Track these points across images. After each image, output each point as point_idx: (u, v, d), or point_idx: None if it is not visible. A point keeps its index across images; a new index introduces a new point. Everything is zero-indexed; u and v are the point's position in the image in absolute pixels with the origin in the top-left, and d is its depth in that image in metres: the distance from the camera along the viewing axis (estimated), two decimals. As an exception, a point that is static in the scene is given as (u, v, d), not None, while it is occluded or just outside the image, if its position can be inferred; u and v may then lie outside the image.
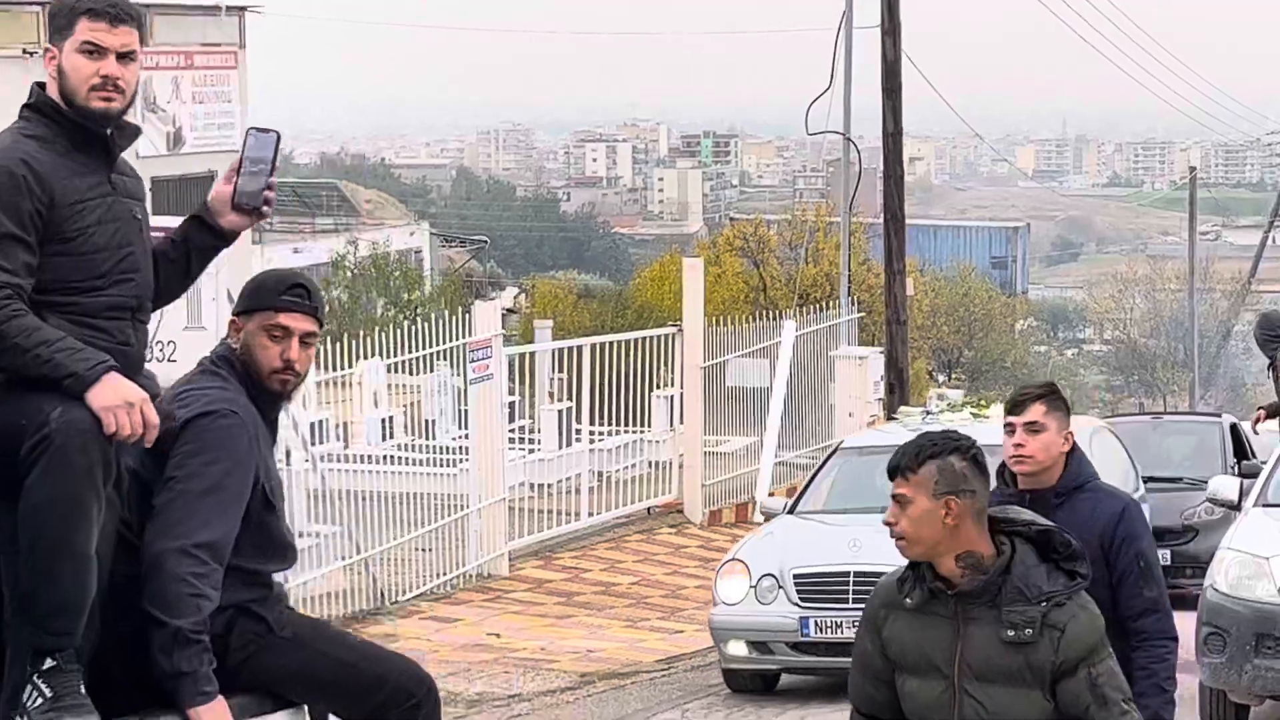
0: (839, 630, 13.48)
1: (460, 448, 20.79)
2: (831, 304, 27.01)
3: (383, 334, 17.72)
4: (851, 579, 13.61)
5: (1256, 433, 19.14)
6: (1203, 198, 63.90)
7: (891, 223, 25.19)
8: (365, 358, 19.04)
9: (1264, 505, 13.26)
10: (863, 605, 12.07)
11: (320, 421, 20.71)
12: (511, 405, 21.99)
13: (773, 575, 13.97)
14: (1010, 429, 7.22)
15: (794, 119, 28.19)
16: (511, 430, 21.34)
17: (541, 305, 46.50)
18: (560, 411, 22.59)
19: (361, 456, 20.97)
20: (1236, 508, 13.62)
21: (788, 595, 13.87)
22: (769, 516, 15.38)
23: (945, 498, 5.42)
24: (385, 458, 20.62)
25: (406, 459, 21.06)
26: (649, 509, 22.20)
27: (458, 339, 18.27)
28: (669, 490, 22.51)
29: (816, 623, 13.70)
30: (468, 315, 18.30)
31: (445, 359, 19.79)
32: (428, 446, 22.28)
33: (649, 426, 23.24)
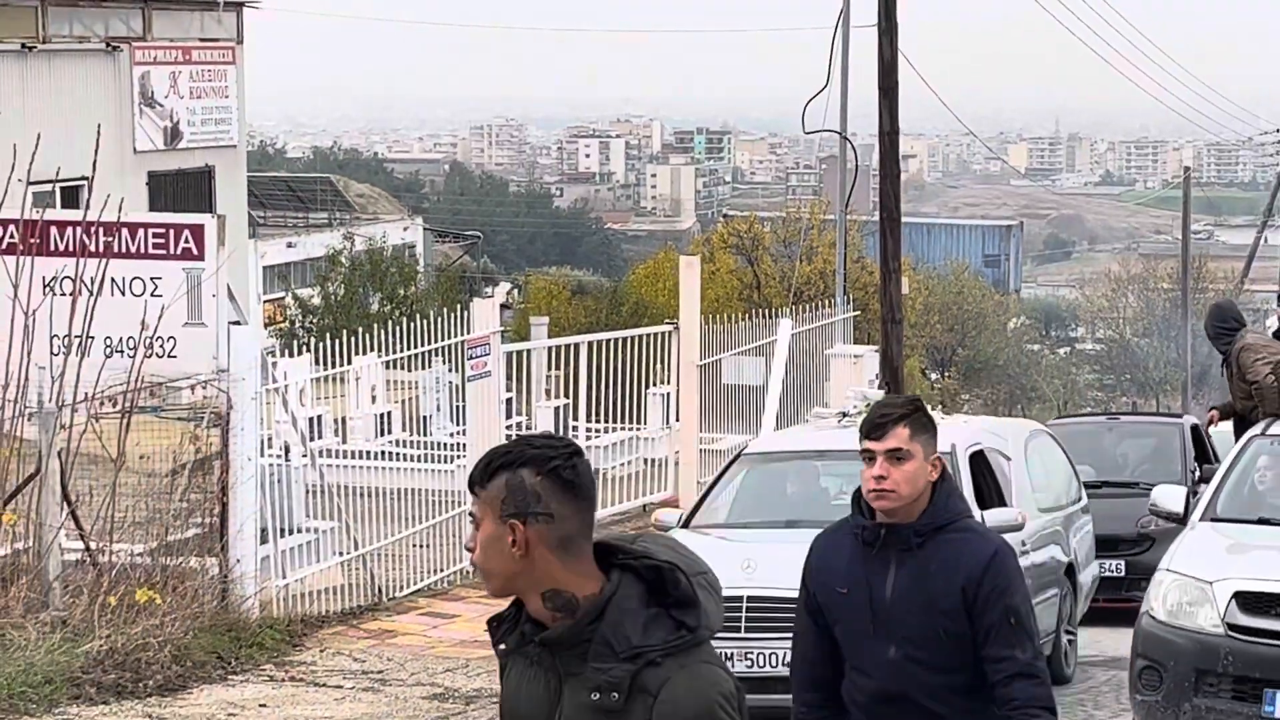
0: (730, 662, 11.63)
1: (457, 444, 20.84)
2: (825, 302, 27.04)
3: (379, 330, 17.76)
4: (744, 605, 11.85)
5: (1207, 435, 18.13)
6: (1195, 197, 63.88)
7: (887, 221, 25.19)
8: (362, 354, 19.07)
9: (1212, 520, 11.99)
10: (757, 634, 10.76)
11: (317, 417, 20.76)
12: (508, 402, 22.02)
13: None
14: (869, 457, 6.12)
15: (787, 116, 28.24)
16: (508, 427, 21.38)
17: (535, 301, 46.52)
18: (556, 409, 22.64)
19: (359, 452, 21.01)
20: (1182, 521, 12.28)
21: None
22: (663, 531, 13.37)
23: (510, 521, 4.18)
24: (382, 454, 20.65)
25: (403, 455, 21.10)
26: (644, 505, 22.25)
27: (455, 336, 18.29)
28: (665, 487, 22.55)
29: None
30: (465, 312, 18.34)
31: (441, 356, 19.81)
32: (424, 443, 22.31)
33: (645, 424, 23.29)
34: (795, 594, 10.56)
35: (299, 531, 15.43)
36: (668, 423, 23.32)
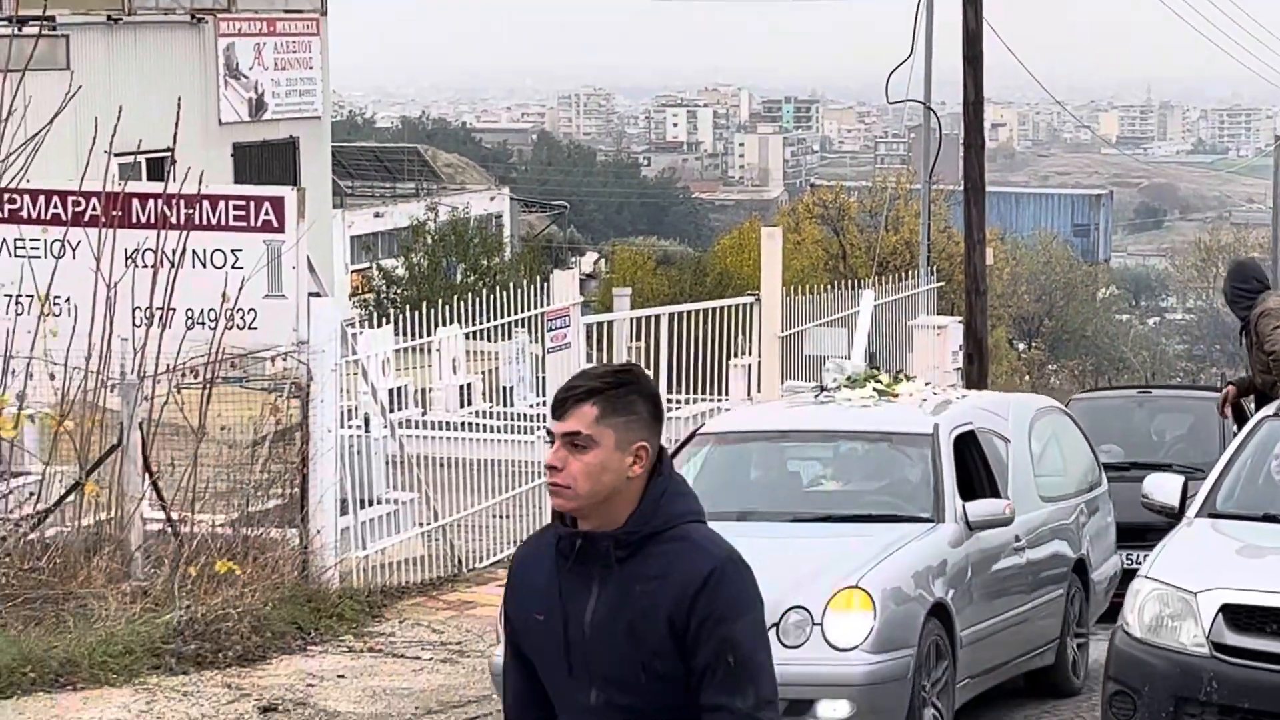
0: None
1: (538, 415, 20.86)
2: (911, 272, 26.94)
3: (461, 301, 17.79)
4: None
5: (1225, 415, 15.30)
6: (1288, 166, 63.23)
7: (972, 192, 25.06)
8: (444, 325, 19.11)
9: (1210, 515, 10.35)
10: None
11: (400, 388, 20.82)
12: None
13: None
14: (551, 441, 4.88)
15: (876, 85, 28.08)
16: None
17: (620, 271, 46.54)
18: (638, 380, 22.62)
19: (440, 423, 21.07)
20: (1177, 516, 10.53)
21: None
22: None
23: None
24: (463, 425, 20.70)
25: (485, 426, 21.15)
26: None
27: (537, 307, 18.32)
28: (746, 459, 22.55)
29: None
30: (546, 283, 18.35)
31: (524, 326, 19.84)
32: (506, 414, 22.36)
33: (727, 395, 23.26)
34: None
35: (379, 503, 15.49)
36: (750, 394, 23.29)
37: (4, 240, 14.36)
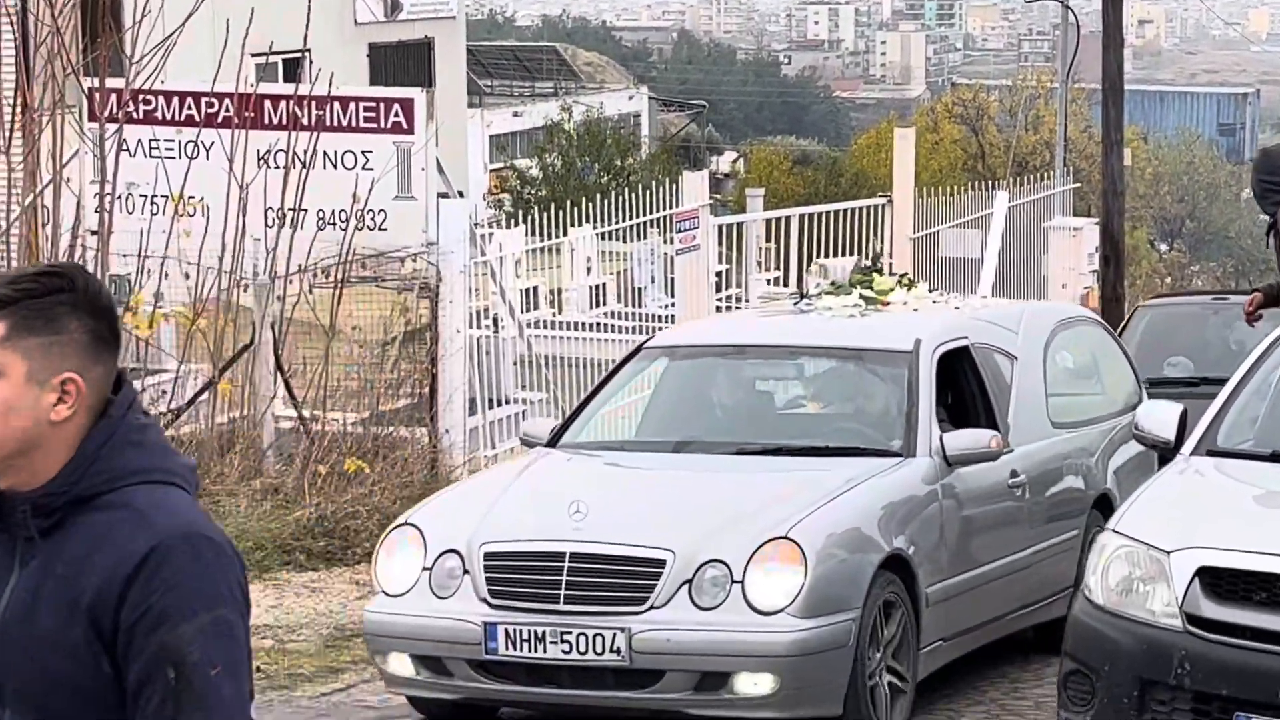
0: (541, 646, 8.63)
1: (668, 316, 20.91)
2: (1048, 173, 26.73)
3: (593, 202, 17.85)
4: (565, 566, 8.73)
5: (1252, 325, 13.12)
6: None
7: (1110, 92, 24.80)
8: (577, 225, 19.19)
9: (1209, 452, 8.49)
10: (581, 608, 8.72)
11: (532, 289, 20.95)
12: (722, 275, 22.06)
13: (458, 552, 8.95)
14: None
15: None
16: (720, 300, 21.43)
17: (757, 172, 46.44)
18: (768, 280, 22.64)
19: (571, 324, 21.17)
20: (1172, 451, 8.69)
21: (475, 585, 8.85)
22: (530, 447, 10.38)
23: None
24: (595, 325, 20.79)
25: (616, 326, 21.23)
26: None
27: (668, 208, 18.36)
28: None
29: (509, 632, 8.67)
30: (677, 184, 18.37)
31: (656, 227, 19.89)
32: (638, 314, 22.43)
33: (859, 296, 23.24)
34: (635, 551, 8.72)
35: (508, 403, 15.62)
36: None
37: (139, 141, 14.56)
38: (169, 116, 14.62)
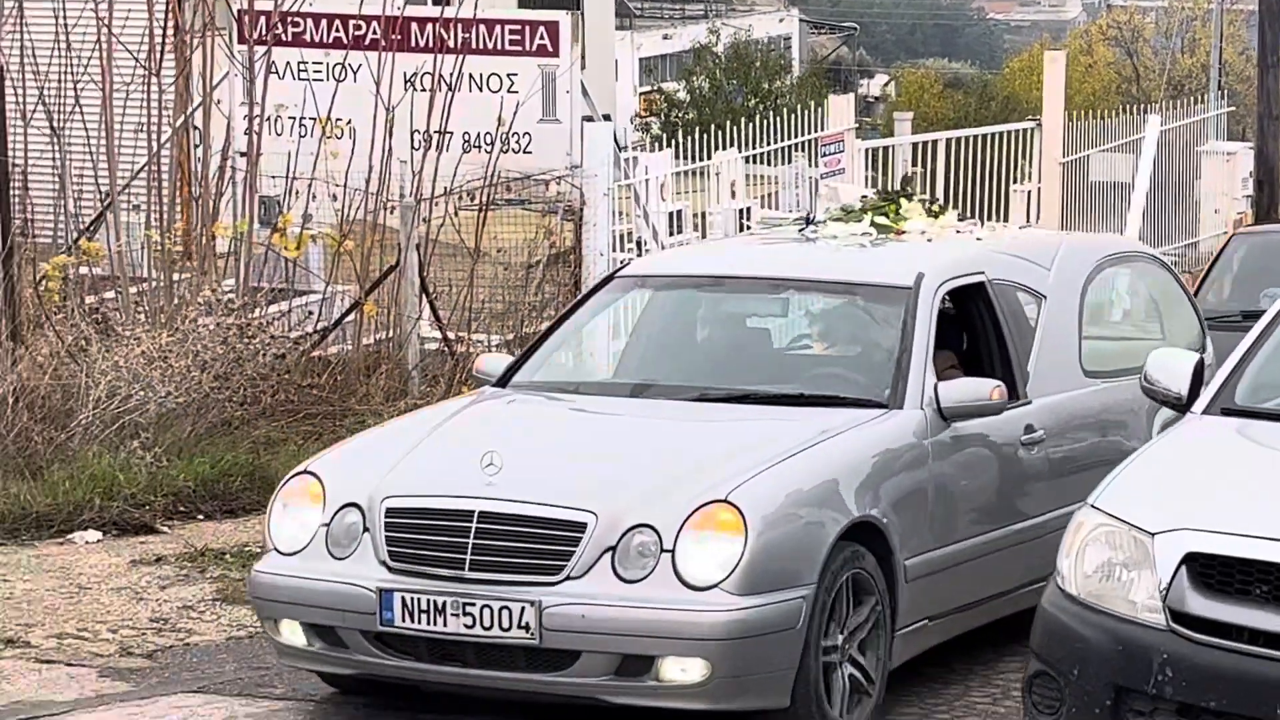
0: (441, 618, 7.57)
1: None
2: (1204, 97, 26.40)
3: (738, 126, 17.85)
4: (474, 526, 7.63)
5: None
6: None
7: (1267, 13, 24.39)
8: (723, 149, 19.20)
9: (1224, 410, 7.25)
10: (487, 575, 7.49)
11: (678, 212, 20.96)
12: (867, 198, 21.99)
13: (358, 507, 7.88)
14: None
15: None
16: (867, 223, 21.38)
17: (907, 95, 46.14)
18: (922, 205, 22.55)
19: (716, 247, 21.16)
20: (1184, 407, 7.42)
21: (375, 546, 7.79)
22: (483, 385, 9.23)
23: None
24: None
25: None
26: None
27: (815, 132, 18.34)
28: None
29: (406, 601, 7.62)
30: (822, 108, 18.33)
31: (802, 151, 19.87)
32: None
33: (1007, 221, 23.09)
34: (551, 512, 7.53)
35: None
36: (1029, 220, 23.10)
37: (288, 63, 14.71)
38: (317, 39, 14.76)
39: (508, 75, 14.34)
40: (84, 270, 13.60)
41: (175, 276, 13.42)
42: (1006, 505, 8.76)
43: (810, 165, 21.05)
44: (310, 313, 13.99)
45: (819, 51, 62.72)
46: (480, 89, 14.37)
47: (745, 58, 44.56)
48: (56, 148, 13.58)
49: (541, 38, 14.31)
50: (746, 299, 9.29)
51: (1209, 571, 6.34)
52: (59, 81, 13.54)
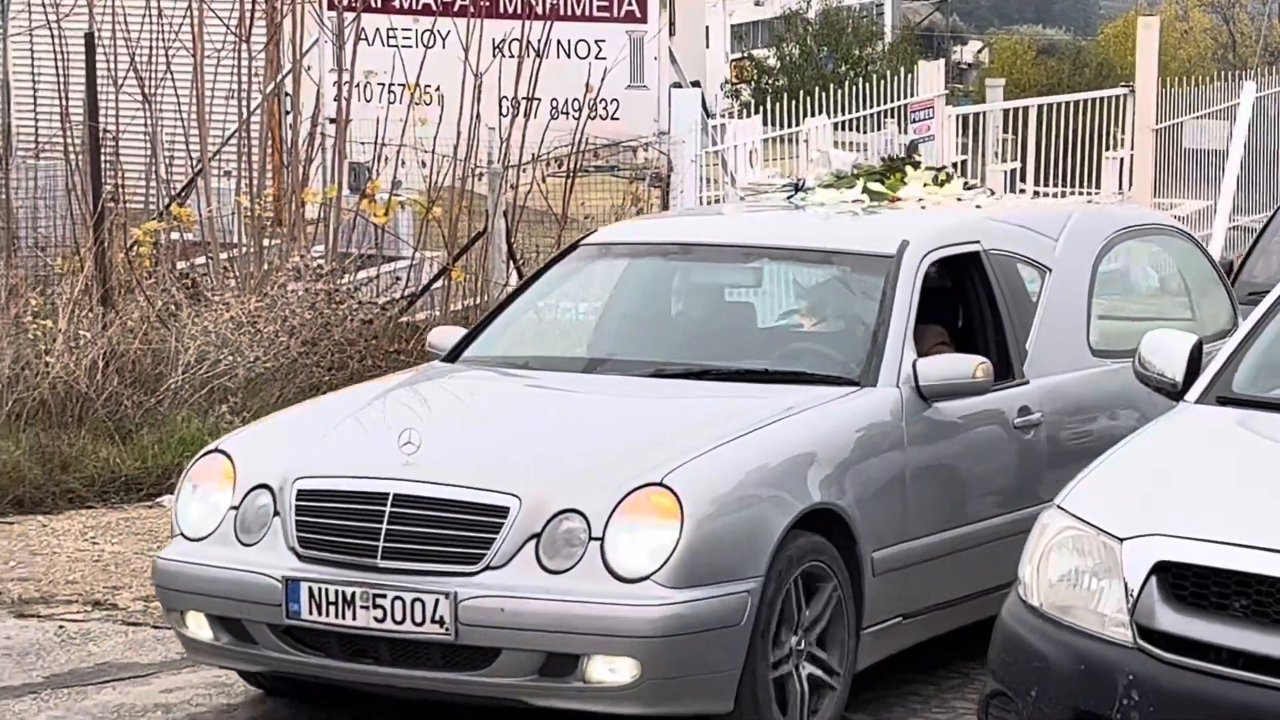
0: (350, 610, 6.94)
1: (904, 207, 20.78)
2: (1300, 63, 26.11)
3: (824, 92, 17.78)
4: (387, 510, 7.01)
5: None
6: None
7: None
8: (812, 115, 19.14)
9: (1220, 399, 6.54)
10: (402, 564, 6.84)
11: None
12: (959, 165, 21.89)
13: (269, 488, 7.27)
14: None
15: None
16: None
17: (1000, 61, 45.88)
18: (1005, 172, 22.43)
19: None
20: (1179, 395, 6.70)
21: (285, 531, 7.19)
22: (435, 358, 8.63)
23: None
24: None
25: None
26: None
27: (905, 98, 18.25)
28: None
29: (314, 592, 7.01)
30: (912, 74, 18.24)
31: (892, 117, 19.79)
32: (873, 205, 22.29)
33: (1098, 188, 22.94)
34: (470, 495, 6.86)
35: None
36: (1121, 188, 22.93)
37: (377, 30, 14.78)
38: (406, 5, 14.83)
39: (595, 41, 14.36)
40: (174, 236, 13.70)
41: (265, 242, 13.50)
42: (996, 494, 8.04)
43: (901, 132, 20.97)
44: (398, 278, 14.06)
45: (911, 18, 62.39)
46: (568, 55, 14.41)
47: (836, 24, 44.38)
48: (148, 114, 13.67)
49: (630, 4, 14.33)
50: (716, 268, 8.64)
51: (1182, 583, 5.62)
52: (150, 48, 13.62)
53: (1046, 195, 22.33)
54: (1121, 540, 5.73)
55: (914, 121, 17.44)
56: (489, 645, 6.79)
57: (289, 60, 14.30)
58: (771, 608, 6.95)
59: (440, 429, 7.44)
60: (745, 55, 48.13)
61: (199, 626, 7.32)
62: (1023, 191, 22.07)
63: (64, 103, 13.57)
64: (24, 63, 14.88)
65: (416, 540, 6.92)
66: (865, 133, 21.73)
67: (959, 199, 9.11)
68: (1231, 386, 6.54)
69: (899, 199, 9.00)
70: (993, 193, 10.01)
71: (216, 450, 7.54)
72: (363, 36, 14.29)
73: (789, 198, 9.16)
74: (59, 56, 13.64)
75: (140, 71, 13.57)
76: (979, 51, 58.47)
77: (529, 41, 14.19)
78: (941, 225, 8.55)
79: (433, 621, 6.81)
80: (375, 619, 6.87)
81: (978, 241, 8.38)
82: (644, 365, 8.03)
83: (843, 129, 21.00)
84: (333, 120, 14.10)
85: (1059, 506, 5.99)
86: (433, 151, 13.96)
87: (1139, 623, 5.64)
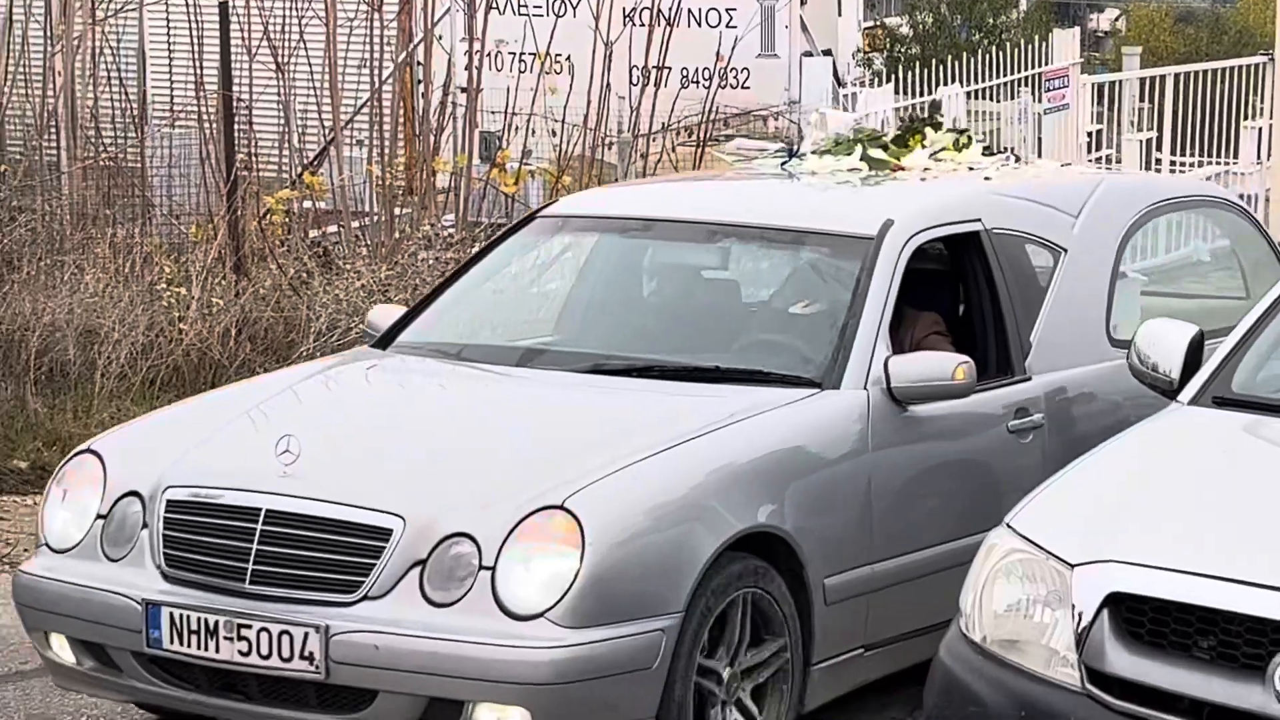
0: (213, 641, 6.14)
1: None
2: None
3: (957, 60, 17.65)
4: (259, 528, 6.20)
5: None
6: None
7: None
8: (946, 84, 19.01)
9: (1217, 400, 5.73)
10: (272, 589, 6.08)
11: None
12: (1095, 135, 21.69)
13: (141, 496, 6.47)
14: None
15: None
16: (1093, 159, 21.07)
17: (1137, 29, 45.35)
18: (1141, 142, 22.18)
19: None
20: (1174, 394, 5.94)
21: (153, 545, 6.38)
22: (372, 340, 7.81)
23: None
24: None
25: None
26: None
27: (1040, 66, 18.10)
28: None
29: (175, 619, 6.22)
30: (1047, 42, 18.08)
31: (1027, 86, 19.62)
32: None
33: (1236, 158, 22.63)
34: (348, 514, 6.07)
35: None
36: (1259, 158, 22.62)
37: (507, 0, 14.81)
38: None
39: (726, 10, 14.36)
40: (307, 204, 13.79)
41: (396, 211, 13.55)
42: (981, 509, 6.86)
43: (1035, 101, 20.79)
44: (529, 247, 14.08)
45: (1047, -15, 61.73)
46: (699, 24, 14.40)
47: (969, -9, 43.99)
48: (281, 83, 13.76)
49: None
50: (678, 248, 7.72)
51: (1138, 618, 4.85)
52: (284, 17, 13.71)
53: (1182, 165, 22.09)
54: (1073, 566, 4.94)
55: (1048, 90, 17.27)
56: (364, 686, 5.99)
57: (421, 29, 14.35)
58: (694, 645, 6.07)
59: (328, 435, 6.57)
60: (878, 23, 47.79)
61: (63, 649, 6.52)
62: (1159, 162, 21.85)
63: (199, 72, 13.68)
64: (160, 32, 15.03)
65: (289, 564, 6.13)
66: (999, 101, 21.59)
67: (971, 168, 8.18)
68: (1231, 386, 5.73)
69: (902, 167, 8.15)
70: (1018, 160, 8.96)
71: (88, 450, 6.69)
72: (494, 5, 14.33)
73: (783, 164, 8.31)
74: (194, 26, 13.76)
75: (274, 41, 13.65)
76: (1115, 19, 57.79)
77: (659, 10, 14.17)
78: (935, 202, 7.65)
79: (301, 657, 6.02)
80: (240, 651, 6.09)
81: (978, 220, 7.48)
82: (583, 359, 7.15)
83: (976, 98, 20.86)
84: (464, 89, 14.13)
85: (1008, 525, 5.23)
86: (563, 120, 13.97)
87: (1088, 663, 4.86)
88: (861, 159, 8.17)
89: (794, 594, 6.41)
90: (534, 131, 14.11)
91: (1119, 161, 22.67)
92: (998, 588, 5.11)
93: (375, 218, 13.62)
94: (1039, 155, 20.92)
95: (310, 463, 6.23)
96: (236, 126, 13.11)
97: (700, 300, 7.59)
